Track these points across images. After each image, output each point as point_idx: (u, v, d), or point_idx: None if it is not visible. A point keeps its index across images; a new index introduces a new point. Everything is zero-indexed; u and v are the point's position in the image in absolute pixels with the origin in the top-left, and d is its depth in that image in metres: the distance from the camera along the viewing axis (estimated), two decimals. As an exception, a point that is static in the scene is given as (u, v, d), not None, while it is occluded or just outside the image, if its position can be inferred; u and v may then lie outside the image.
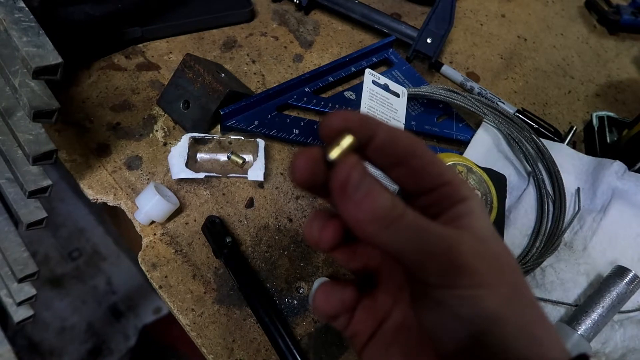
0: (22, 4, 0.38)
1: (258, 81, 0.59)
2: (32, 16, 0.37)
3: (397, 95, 0.54)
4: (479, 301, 0.21)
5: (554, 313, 0.47)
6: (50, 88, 0.39)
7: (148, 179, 0.49)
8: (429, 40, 0.62)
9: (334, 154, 0.20)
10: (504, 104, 0.61)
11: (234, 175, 0.50)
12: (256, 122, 0.52)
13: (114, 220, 0.63)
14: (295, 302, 0.45)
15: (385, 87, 0.54)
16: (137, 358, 1.30)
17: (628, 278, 0.44)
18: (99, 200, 0.47)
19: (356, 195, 0.20)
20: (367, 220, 0.20)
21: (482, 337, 0.21)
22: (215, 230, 0.46)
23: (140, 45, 0.59)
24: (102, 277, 1.43)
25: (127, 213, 0.47)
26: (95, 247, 1.48)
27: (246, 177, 0.50)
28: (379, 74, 0.59)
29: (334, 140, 0.21)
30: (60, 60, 0.35)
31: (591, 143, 0.61)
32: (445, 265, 0.21)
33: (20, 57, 0.35)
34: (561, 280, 0.48)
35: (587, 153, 0.61)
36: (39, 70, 0.35)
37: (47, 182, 0.43)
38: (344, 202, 0.20)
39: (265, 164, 0.51)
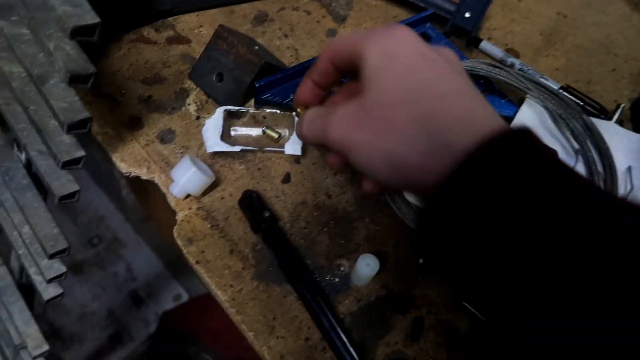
0: (58, -36, 0.36)
1: (291, 55, 0.57)
2: (68, -24, 0.36)
3: (438, 68, 0.52)
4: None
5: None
6: (98, 40, 0.38)
7: (182, 152, 0.47)
8: (467, 15, 0.60)
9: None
10: (546, 80, 0.58)
11: (270, 149, 0.48)
12: (292, 96, 0.50)
13: (141, 198, 0.62)
14: (337, 279, 0.43)
15: (426, 60, 0.51)
16: (157, 344, 1.30)
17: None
18: (132, 174, 0.46)
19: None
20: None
21: None
22: (253, 204, 0.44)
23: (170, 18, 0.57)
24: (122, 263, 1.43)
25: (160, 187, 0.45)
26: (115, 234, 1.48)
27: (283, 152, 0.48)
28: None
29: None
30: (98, 20, 0.34)
31: (639, 121, 0.58)
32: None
33: (56, 16, 0.34)
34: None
35: (635, 131, 0.58)
36: (76, 30, 0.33)
37: (80, 153, 0.41)
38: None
39: (302, 138, 0.49)
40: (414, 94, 0.27)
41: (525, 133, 0.26)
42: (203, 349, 1.22)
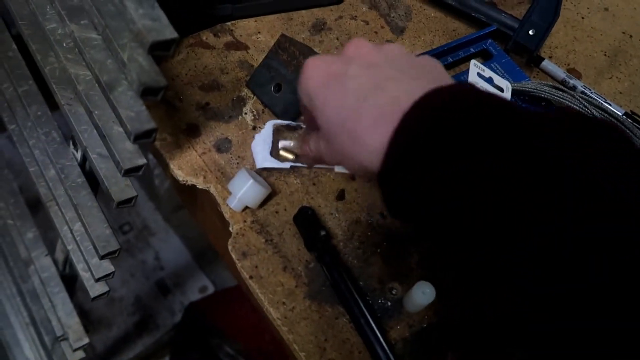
0: (136, -26, 0.36)
1: (348, 67, 0.56)
2: (146, -13, 0.36)
3: (501, 89, 0.50)
4: None
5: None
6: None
7: (237, 163, 0.47)
8: (531, 32, 0.58)
9: None
10: (610, 105, 0.56)
11: (320, 166, 0.48)
12: (350, 111, 0.49)
13: (187, 199, 0.62)
14: (389, 303, 0.42)
15: (489, 80, 0.50)
16: (181, 334, 1.32)
17: None
18: (189, 182, 0.46)
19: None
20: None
21: None
22: (309, 222, 0.44)
23: (229, 23, 0.57)
24: (151, 252, 1.45)
25: (217, 198, 0.45)
26: (145, 222, 1.50)
27: (333, 169, 0.47)
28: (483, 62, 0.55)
29: None
30: (176, 35, 0.34)
31: None
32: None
33: (135, 30, 0.34)
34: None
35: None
36: (154, 45, 0.33)
37: (142, 161, 0.42)
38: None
39: (358, 155, 0.48)
40: (335, 113, 0.29)
41: (467, 85, 0.27)
42: (226, 341, 1.23)
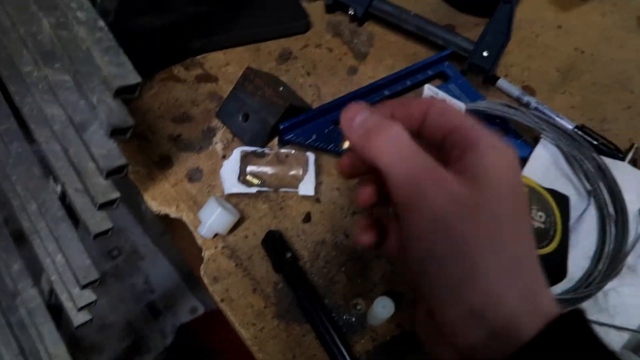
0: (103, 24, 0.39)
1: (313, 94, 0.59)
2: (111, 35, 0.38)
3: (456, 111, 0.54)
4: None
5: (617, 339, 0.46)
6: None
7: (208, 191, 0.50)
8: (485, 53, 0.62)
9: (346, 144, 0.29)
10: (562, 119, 0.60)
11: (285, 189, 0.51)
12: (314, 136, 0.52)
13: (169, 228, 0.64)
14: (353, 319, 0.45)
15: (444, 103, 0.53)
16: (174, 356, 1.33)
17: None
18: (162, 212, 0.49)
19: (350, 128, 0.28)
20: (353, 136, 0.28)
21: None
22: (275, 245, 0.46)
23: (199, 56, 0.60)
24: (141, 275, 1.46)
25: (188, 226, 0.48)
26: (134, 246, 1.52)
27: (297, 192, 0.50)
28: (437, 86, 0.59)
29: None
30: (139, 80, 0.36)
31: (654, 162, 0.59)
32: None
33: (102, 76, 0.36)
34: (625, 305, 0.47)
35: (650, 172, 0.59)
36: (119, 90, 0.36)
37: (115, 195, 0.44)
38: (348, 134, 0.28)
39: (321, 178, 0.51)
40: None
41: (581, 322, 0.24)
42: (218, 361, 1.24)
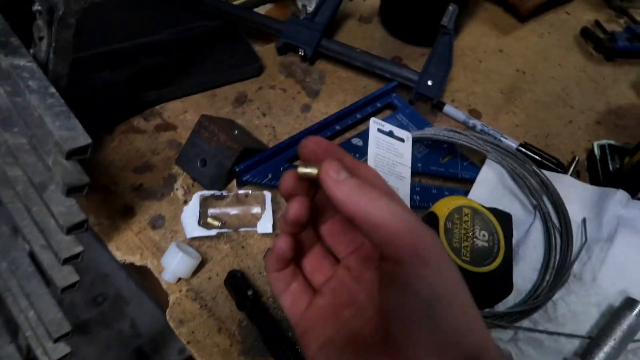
0: (53, 90, 0.41)
1: (269, 133, 0.62)
2: (62, 100, 0.41)
3: (402, 140, 0.57)
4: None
5: (568, 346, 0.48)
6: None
7: (171, 237, 0.52)
8: (430, 83, 0.65)
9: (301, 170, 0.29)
10: (506, 139, 0.63)
11: (244, 229, 0.53)
12: (270, 175, 0.55)
13: (140, 273, 0.66)
14: (317, 349, 0.47)
15: (390, 134, 0.56)
16: (164, 400, 1.32)
17: (638, 309, 0.45)
18: (127, 261, 0.50)
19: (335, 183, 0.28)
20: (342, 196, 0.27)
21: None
22: (237, 284, 0.48)
23: (158, 106, 0.62)
24: (127, 320, 1.45)
25: (153, 272, 0.50)
26: (118, 291, 1.51)
27: (256, 230, 0.52)
28: (384, 118, 0.62)
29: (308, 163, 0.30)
30: (90, 141, 0.39)
31: (594, 172, 0.63)
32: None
33: (53, 140, 0.39)
34: (573, 313, 0.49)
35: (592, 182, 0.62)
36: (71, 152, 0.38)
37: (79, 249, 0.46)
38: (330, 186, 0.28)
39: (279, 215, 0.53)
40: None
41: None
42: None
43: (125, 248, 0.51)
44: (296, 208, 0.30)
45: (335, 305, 0.31)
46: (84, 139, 0.39)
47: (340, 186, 0.27)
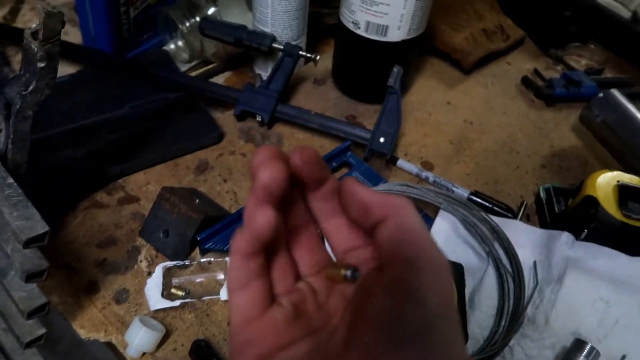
0: (11, 180, 0.43)
1: (231, 199, 0.64)
2: (20, 190, 0.43)
3: (357, 198, 0.59)
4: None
5: (528, 390, 0.50)
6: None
7: (136, 310, 0.53)
8: (382, 140, 0.69)
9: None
10: (458, 188, 0.67)
11: (208, 297, 0.54)
12: (231, 241, 0.57)
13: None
14: (284, 414, 0.47)
15: (345, 193, 0.59)
16: None
17: (586, 351, 0.48)
18: (91, 338, 0.51)
19: None
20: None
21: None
22: (202, 353, 0.49)
23: (120, 180, 0.64)
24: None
25: (118, 347, 0.50)
26: (95, 358, 1.47)
27: (219, 297, 0.53)
28: (341, 176, 0.65)
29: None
30: (47, 229, 0.40)
31: (542, 215, 0.66)
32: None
33: (11, 230, 0.40)
34: (529, 357, 0.51)
35: (541, 225, 0.66)
36: (28, 241, 0.40)
37: (41, 332, 0.46)
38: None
39: (243, 280, 0.55)
40: None
41: None
42: None
43: (89, 325, 0.51)
44: (273, 170, 0.25)
45: (294, 322, 0.27)
46: (40, 227, 0.40)
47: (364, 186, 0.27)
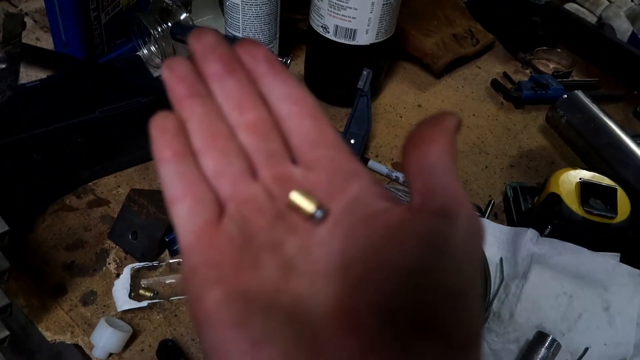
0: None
1: (201, 201, 0.64)
2: (-19, 191, 0.43)
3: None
4: None
5: (493, 383, 0.50)
6: (9, 242, 0.44)
7: (103, 312, 0.53)
8: (352, 141, 0.70)
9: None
10: (427, 188, 0.68)
11: (175, 297, 0.54)
12: (200, 242, 0.57)
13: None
14: (250, 412, 0.47)
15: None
16: None
17: (547, 342, 0.49)
18: (57, 341, 0.51)
19: None
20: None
21: None
22: (169, 354, 0.49)
23: (90, 183, 0.64)
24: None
25: (85, 349, 0.50)
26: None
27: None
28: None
29: None
30: (6, 228, 0.40)
31: (509, 213, 0.67)
32: None
33: (-30, 231, 0.40)
34: (494, 352, 0.52)
35: (508, 222, 0.67)
36: (-12, 241, 0.40)
37: (4, 334, 0.46)
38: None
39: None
40: None
41: None
42: None
43: (55, 327, 0.51)
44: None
45: (250, 243, 0.21)
46: (0, 227, 0.40)
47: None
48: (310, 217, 0.21)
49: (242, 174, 0.22)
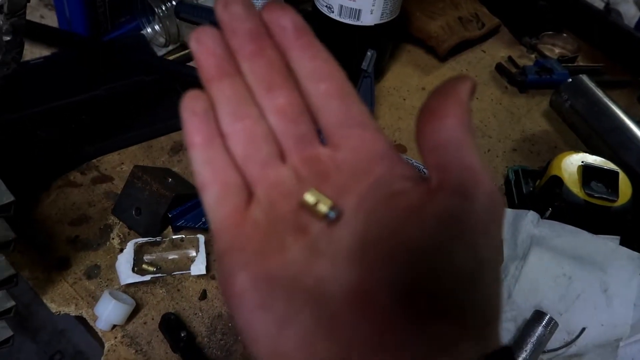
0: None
1: (204, 179, 0.65)
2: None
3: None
4: None
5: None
6: (14, 214, 0.44)
7: (107, 285, 0.53)
8: (355, 122, 0.70)
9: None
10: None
11: (178, 272, 0.55)
12: (203, 219, 0.58)
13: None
14: (251, 384, 0.48)
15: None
16: None
17: (545, 321, 0.49)
18: (62, 312, 0.51)
19: None
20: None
21: None
22: (171, 326, 0.50)
23: (94, 160, 0.65)
24: (86, 377, 1.41)
25: (89, 321, 0.51)
26: (77, 347, 1.47)
27: (190, 273, 0.54)
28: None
29: None
30: (12, 198, 0.41)
31: (510, 196, 0.68)
32: None
33: (-24, 201, 0.41)
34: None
35: (509, 205, 0.67)
36: (-6, 210, 0.40)
37: (10, 304, 0.47)
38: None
39: (214, 256, 0.56)
40: None
41: None
42: None
43: (60, 300, 0.52)
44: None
45: (276, 227, 0.21)
46: (6, 197, 0.41)
47: None
48: (323, 217, 0.21)
49: (271, 157, 0.23)
